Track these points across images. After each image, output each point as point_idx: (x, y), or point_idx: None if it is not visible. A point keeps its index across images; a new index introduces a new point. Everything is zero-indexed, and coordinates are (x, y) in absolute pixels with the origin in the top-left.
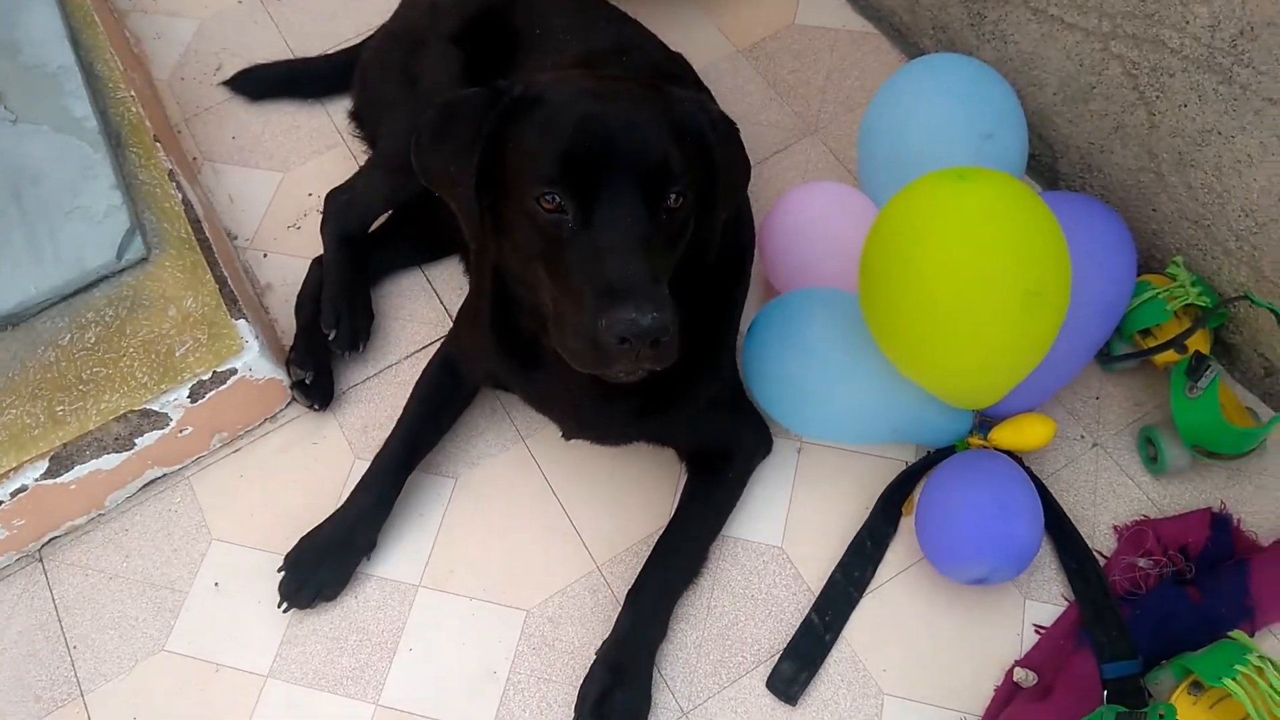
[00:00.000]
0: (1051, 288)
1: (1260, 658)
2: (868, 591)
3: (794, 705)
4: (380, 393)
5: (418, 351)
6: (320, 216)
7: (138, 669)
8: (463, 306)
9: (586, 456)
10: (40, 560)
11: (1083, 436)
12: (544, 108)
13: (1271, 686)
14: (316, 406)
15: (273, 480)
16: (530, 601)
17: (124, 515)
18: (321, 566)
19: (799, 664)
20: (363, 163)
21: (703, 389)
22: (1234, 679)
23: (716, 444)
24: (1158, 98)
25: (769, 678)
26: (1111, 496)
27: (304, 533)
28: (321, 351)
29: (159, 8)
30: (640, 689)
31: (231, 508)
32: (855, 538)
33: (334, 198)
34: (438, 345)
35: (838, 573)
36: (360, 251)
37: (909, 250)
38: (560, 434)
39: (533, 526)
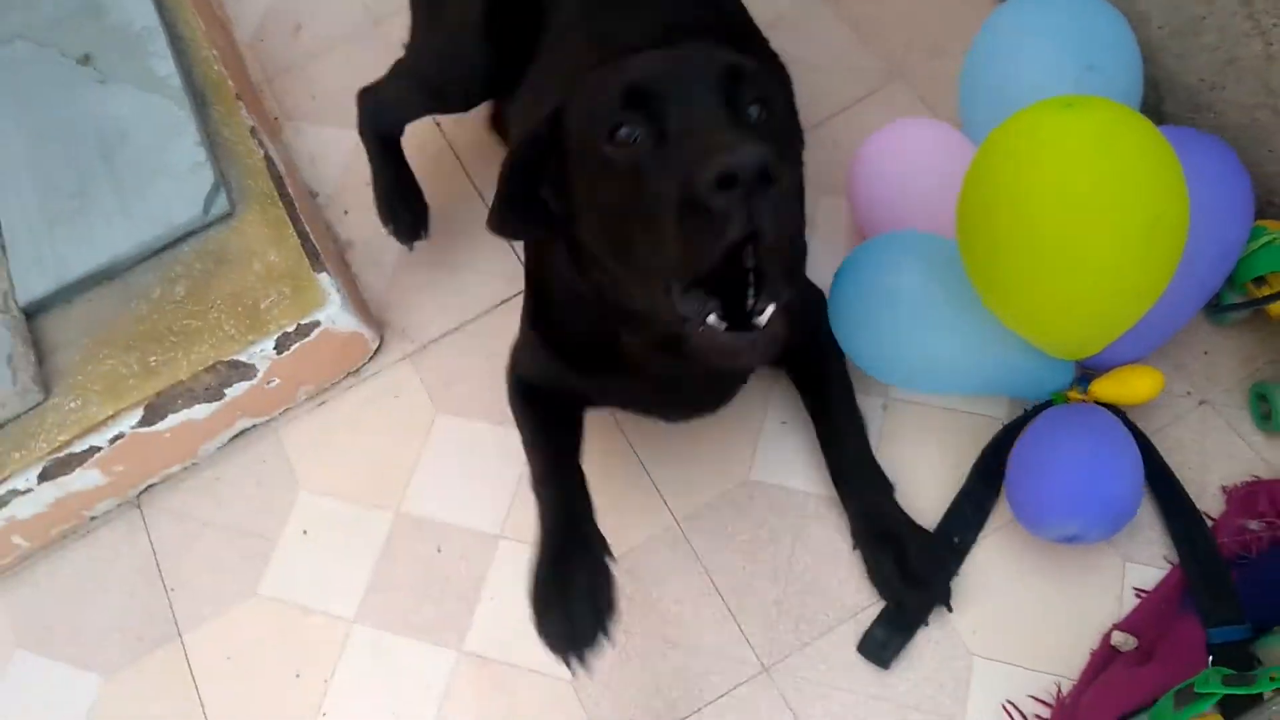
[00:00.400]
0: (1171, 217)
1: None
2: None
3: (886, 669)
4: (461, 346)
5: (497, 306)
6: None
7: (231, 611)
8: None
9: None
10: (139, 506)
11: (1189, 393)
12: (594, 88)
13: None
14: (423, 233)
15: (357, 432)
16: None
17: (216, 464)
18: (577, 628)
19: (891, 629)
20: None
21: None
22: None
23: (814, 357)
24: (1275, 25)
25: (860, 642)
26: (1221, 456)
27: (399, 510)
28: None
29: None
30: (921, 535)
31: (318, 458)
32: (953, 503)
33: (365, 98)
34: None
35: (943, 547)
36: (400, 147)
37: (1013, 182)
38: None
39: (610, 481)
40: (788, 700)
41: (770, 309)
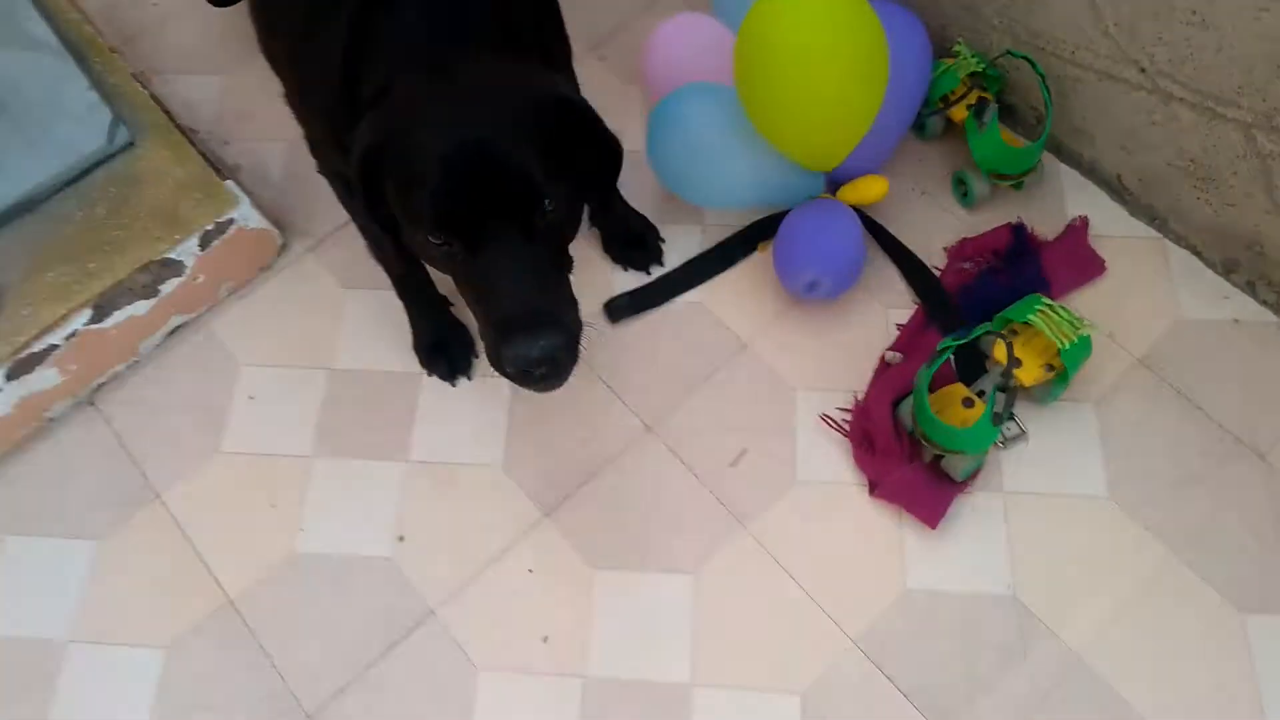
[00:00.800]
0: (877, 56)
1: (1048, 303)
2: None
3: (613, 324)
4: (353, 233)
5: None
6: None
7: (200, 469)
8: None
9: None
10: (93, 404)
11: (912, 189)
12: (406, 148)
13: (1060, 317)
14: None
15: (281, 315)
16: None
17: (157, 360)
18: (451, 351)
19: (635, 303)
20: None
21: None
22: (1034, 315)
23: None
24: None
25: (606, 304)
26: (939, 229)
27: (329, 369)
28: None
29: None
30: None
31: (250, 339)
32: (714, 248)
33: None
34: None
35: (690, 269)
36: None
37: (769, 42)
38: None
39: None
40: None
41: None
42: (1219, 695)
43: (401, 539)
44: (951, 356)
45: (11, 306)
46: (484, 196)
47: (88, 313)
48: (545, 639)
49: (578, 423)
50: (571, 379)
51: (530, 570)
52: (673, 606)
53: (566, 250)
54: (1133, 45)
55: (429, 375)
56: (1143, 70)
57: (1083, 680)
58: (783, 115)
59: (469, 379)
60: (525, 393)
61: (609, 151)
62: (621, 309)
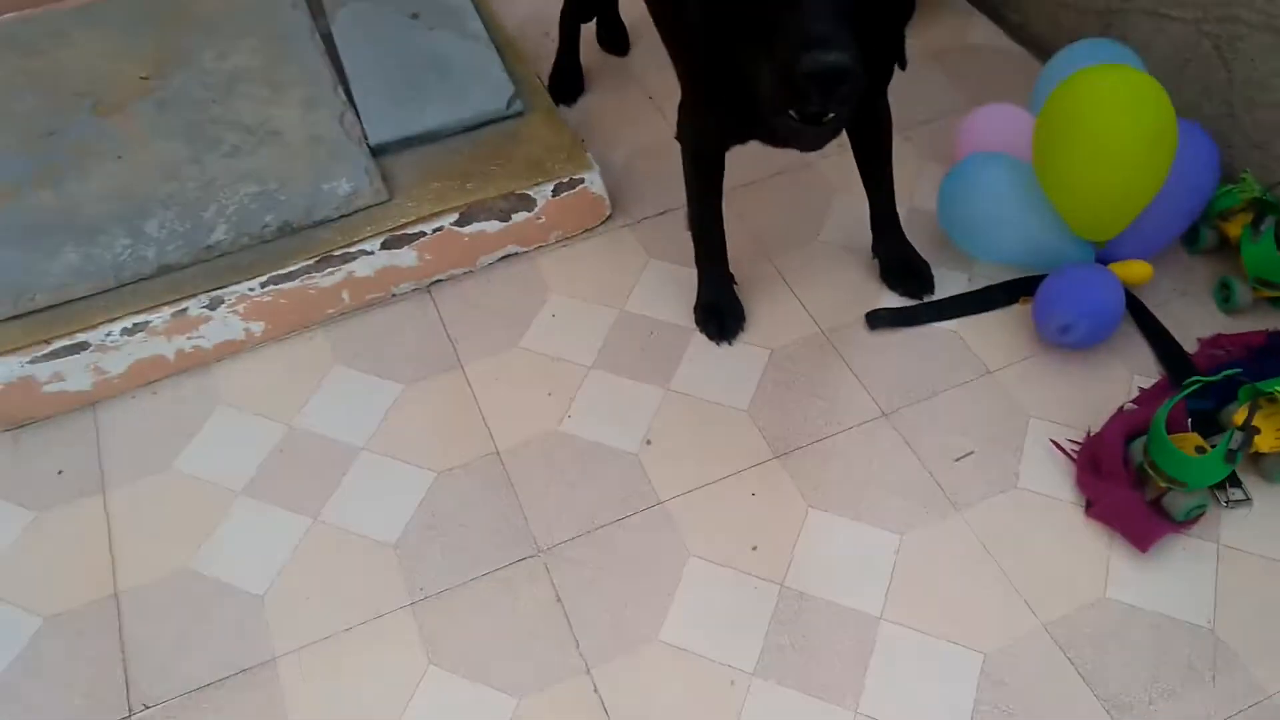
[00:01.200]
0: (1167, 137)
1: None
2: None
3: (871, 330)
4: (667, 223)
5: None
6: None
7: (500, 355)
8: (683, 110)
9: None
10: (429, 292)
11: (1174, 289)
12: None
13: None
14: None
15: (591, 265)
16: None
17: (488, 273)
18: (725, 318)
19: (895, 318)
20: None
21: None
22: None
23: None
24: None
25: (869, 313)
26: (1194, 325)
27: (620, 309)
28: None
29: None
30: (918, 258)
31: (563, 275)
32: (979, 290)
33: None
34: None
35: (954, 303)
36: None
37: (1070, 116)
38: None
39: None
40: (910, 442)
41: (830, 116)
42: None
43: (649, 443)
44: (1190, 418)
45: (400, 198)
46: None
47: (454, 216)
48: (754, 548)
49: (821, 397)
50: (815, 369)
51: (753, 494)
52: (876, 554)
53: (881, 23)
54: None
55: (700, 332)
56: None
57: (1267, 709)
58: (1072, 181)
59: (731, 344)
60: (780, 361)
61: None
62: (881, 319)
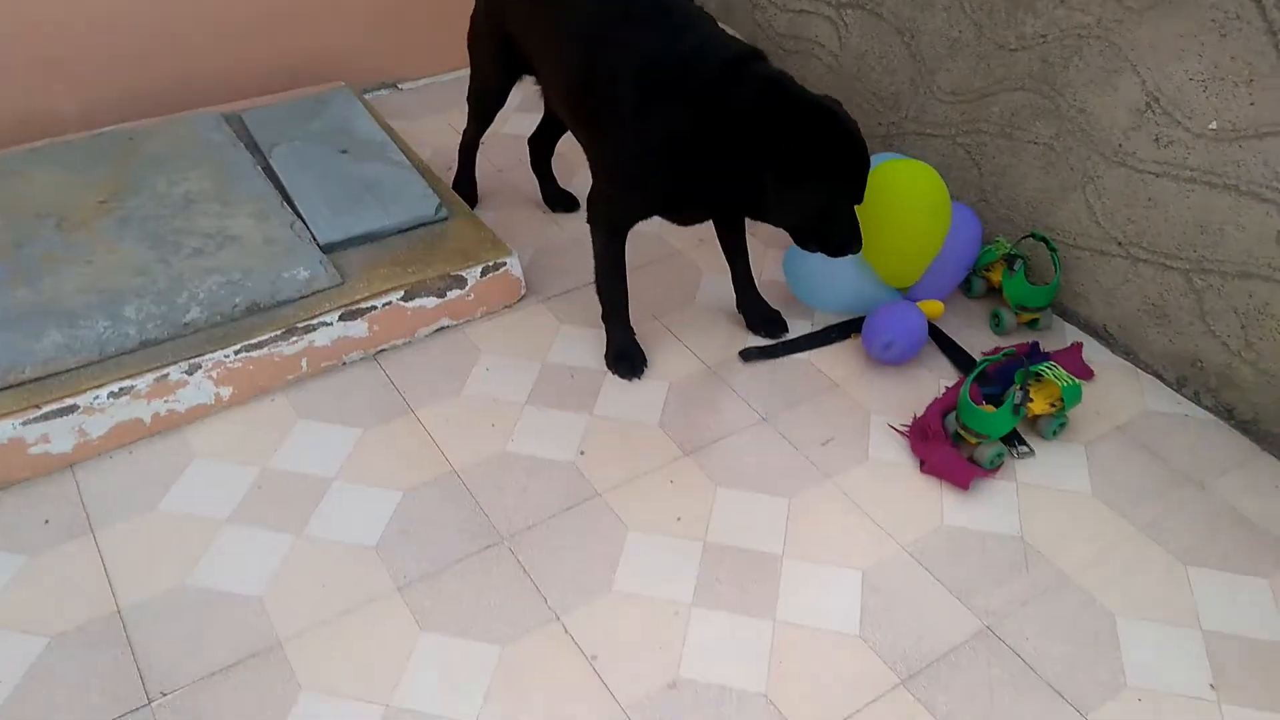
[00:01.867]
0: (941, 208)
1: (1055, 365)
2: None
3: (745, 363)
4: (571, 299)
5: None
6: None
7: (446, 402)
8: (597, 199)
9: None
10: (376, 359)
11: (961, 324)
12: (840, 135)
13: (1063, 372)
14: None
15: (514, 332)
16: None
17: (425, 343)
18: (633, 360)
19: (763, 353)
20: None
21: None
22: (1044, 367)
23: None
24: (981, 159)
25: (741, 351)
26: (979, 344)
27: (543, 361)
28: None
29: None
30: (774, 313)
31: (492, 342)
32: (821, 330)
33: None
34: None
35: (804, 340)
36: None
37: (877, 193)
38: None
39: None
40: (785, 435)
41: None
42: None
43: (582, 453)
44: (984, 399)
45: (352, 281)
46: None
47: (401, 293)
48: (679, 519)
49: (714, 410)
50: (706, 392)
51: (671, 481)
52: (772, 512)
53: None
54: (1113, 227)
55: (612, 374)
56: (1119, 243)
57: (1068, 588)
58: (880, 243)
59: (639, 379)
60: (679, 389)
61: None
62: (752, 354)
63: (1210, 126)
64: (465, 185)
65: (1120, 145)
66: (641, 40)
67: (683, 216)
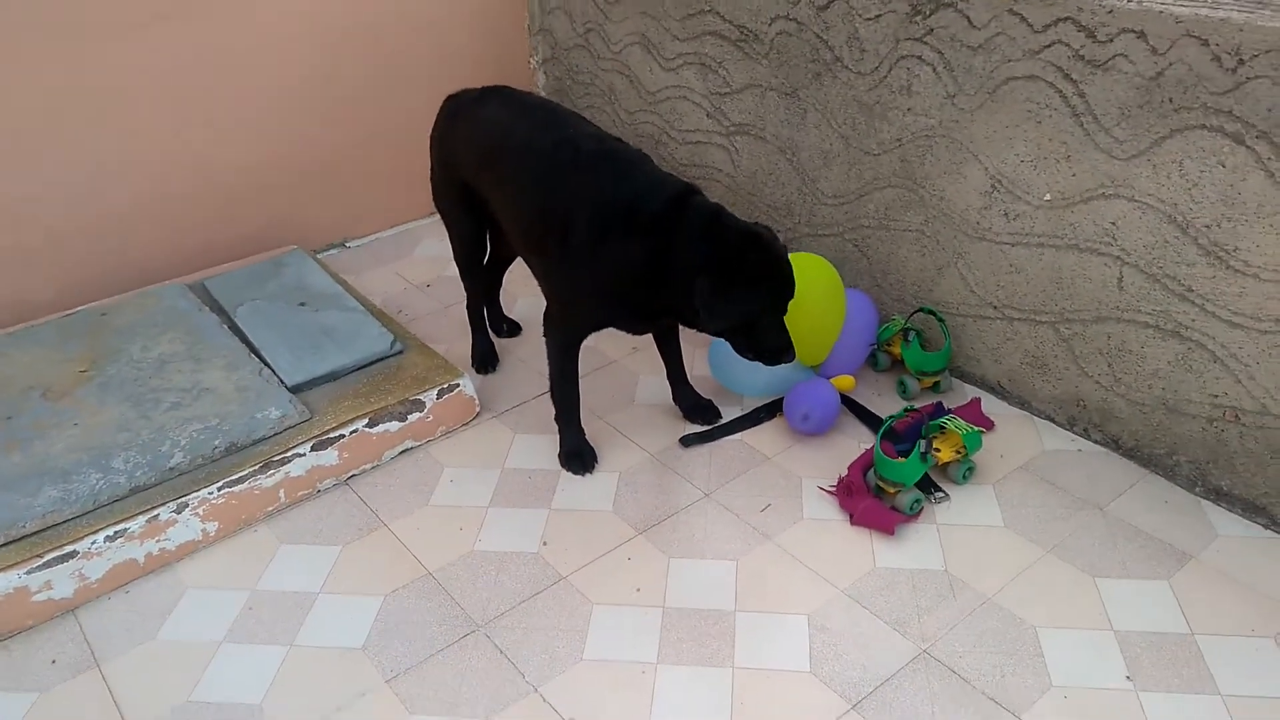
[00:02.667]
0: (837, 294)
1: (950, 418)
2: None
3: (685, 448)
4: (522, 411)
5: (536, 398)
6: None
7: (416, 513)
8: (552, 315)
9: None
10: (348, 484)
11: (872, 393)
12: (765, 263)
13: (964, 422)
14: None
15: (473, 446)
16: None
17: (390, 465)
18: (585, 457)
19: (700, 438)
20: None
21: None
22: (947, 419)
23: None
24: (868, 250)
25: (681, 438)
26: (890, 410)
27: (501, 467)
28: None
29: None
30: (708, 403)
31: (453, 456)
32: (750, 412)
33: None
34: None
35: (735, 423)
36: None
37: None
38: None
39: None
40: (728, 507)
41: None
42: (1078, 600)
43: (545, 543)
44: (898, 454)
45: (320, 415)
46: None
47: (365, 420)
48: (638, 589)
49: (661, 491)
50: (653, 478)
51: (629, 558)
52: (722, 574)
53: None
54: (987, 294)
55: (566, 470)
56: (995, 307)
57: (991, 608)
58: (790, 329)
59: (591, 474)
60: (628, 477)
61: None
62: (691, 440)
63: (1045, 198)
64: (482, 348)
65: (978, 223)
66: (591, 184)
67: (632, 328)
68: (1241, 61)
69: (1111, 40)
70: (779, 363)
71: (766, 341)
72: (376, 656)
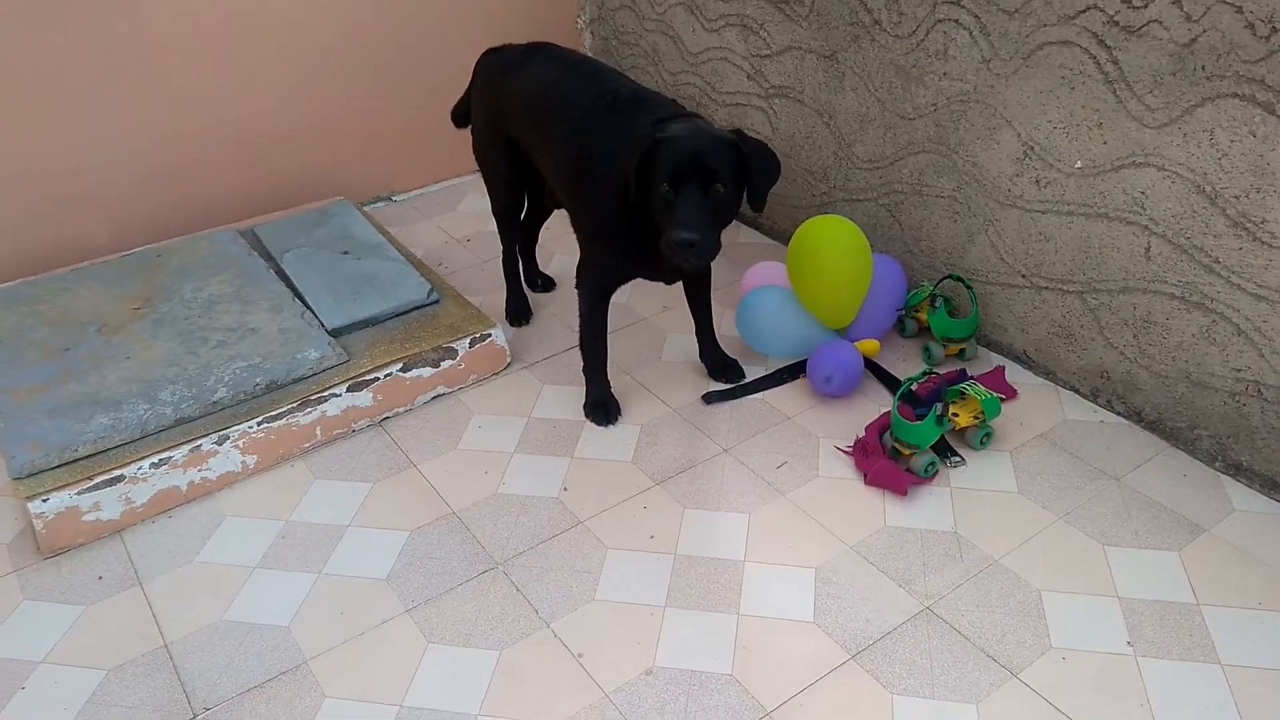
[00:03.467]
0: (864, 253)
1: (970, 384)
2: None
3: (707, 404)
4: (551, 364)
5: (566, 350)
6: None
7: (445, 455)
8: (584, 265)
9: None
10: (381, 426)
11: (897, 358)
12: (666, 145)
13: (983, 388)
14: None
15: (503, 395)
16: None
17: (423, 410)
18: (609, 409)
19: (723, 395)
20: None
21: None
22: (967, 384)
23: (702, 281)
24: (900, 215)
25: (704, 394)
26: (910, 373)
27: (529, 416)
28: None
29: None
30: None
31: (483, 404)
32: (773, 372)
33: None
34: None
35: (758, 382)
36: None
37: (807, 246)
38: (663, 282)
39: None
40: (745, 462)
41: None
42: (1085, 566)
43: (565, 489)
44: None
45: (357, 358)
46: (690, 169)
47: (399, 364)
48: (652, 536)
49: (680, 446)
50: (674, 432)
51: (645, 507)
52: (734, 525)
53: (723, 218)
54: (1016, 262)
55: (590, 421)
56: (1023, 275)
57: (997, 570)
58: (814, 290)
59: (614, 425)
60: (649, 430)
61: (765, 173)
62: (713, 397)
63: (1076, 165)
64: (516, 301)
65: (1009, 190)
66: (621, 125)
67: (656, 272)
68: (1275, 30)
69: (1146, 6)
70: (676, 246)
71: (669, 217)
72: (399, 587)
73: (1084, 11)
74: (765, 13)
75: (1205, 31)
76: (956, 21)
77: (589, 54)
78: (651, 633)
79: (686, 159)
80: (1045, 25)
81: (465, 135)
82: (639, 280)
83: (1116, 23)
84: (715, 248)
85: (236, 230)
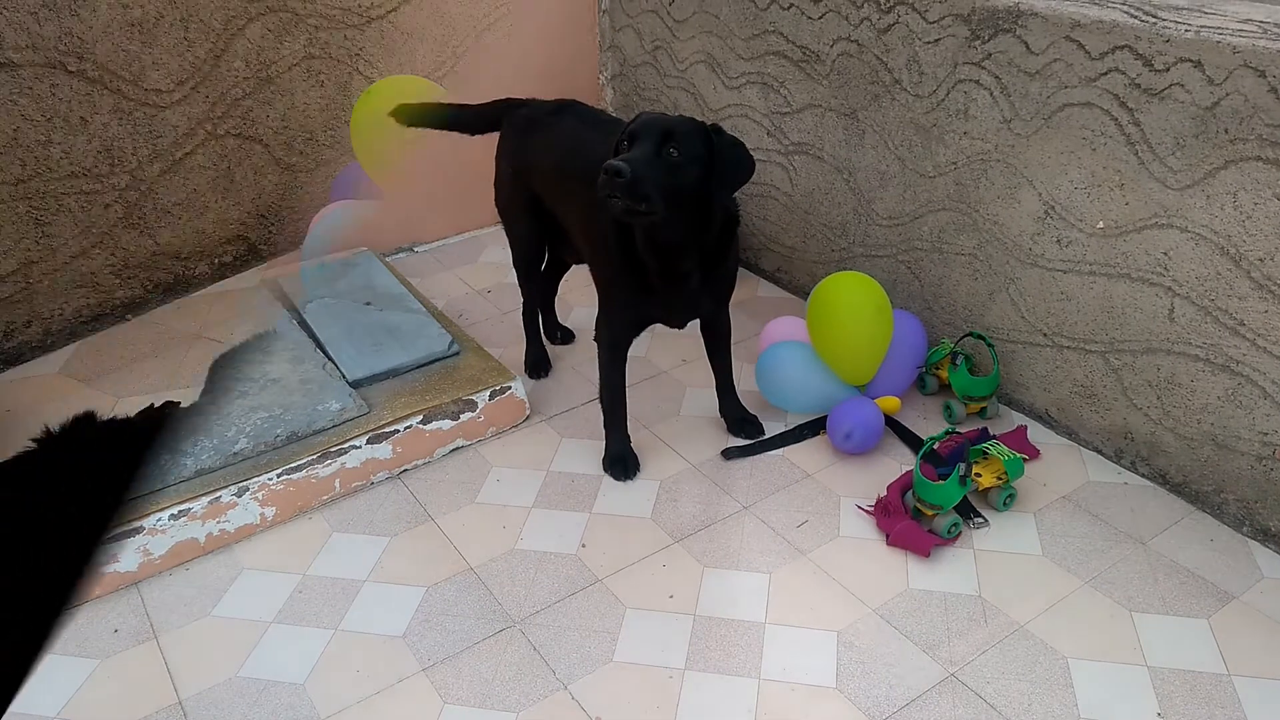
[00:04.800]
0: (885, 310)
1: (993, 444)
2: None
3: (726, 460)
4: (569, 417)
5: (584, 404)
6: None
7: (461, 511)
8: (602, 318)
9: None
10: (399, 479)
11: (918, 415)
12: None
13: (1006, 449)
14: (543, 374)
15: (521, 448)
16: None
17: (442, 462)
18: (627, 464)
19: (743, 451)
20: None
21: (719, 287)
22: (989, 445)
23: (721, 318)
24: (920, 273)
25: (724, 450)
26: (931, 431)
27: (547, 470)
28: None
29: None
30: (752, 418)
31: (502, 457)
32: (793, 428)
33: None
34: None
35: (778, 438)
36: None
37: (825, 307)
38: (675, 326)
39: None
40: (765, 520)
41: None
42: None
43: (584, 546)
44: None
45: (377, 410)
46: (647, 131)
47: (420, 417)
48: (671, 596)
49: (697, 501)
50: (693, 488)
51: (664, 565)
52: (755, 586)
53: (675, 185)
54: (1038, 321)
55: (609, 475)
56: (1045, 334)
57: (1023, 636)
58: (834, 347)
59: (632, 480)
60: (668, 486)
61: (734, 166)
62: (733, 453)
63: (1098, 226)
64: (536, 353)
65: (1030, 249)
66: None
67: (668, 314)
68: None
69: (1168, 69)
70: (602, 174)
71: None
72: (416, 645)
73: (1105, 74)
74: (786, 71)
75: (1228, 95)
76: (977, 82)
77: (611, 111)
78: (670, 697)
79: (646, 121)
80: (1066, 87)
81: (486, 186)
82: (659, 333)
83: (1138, 85)
84: (655, 204)
85: (260, 279)
